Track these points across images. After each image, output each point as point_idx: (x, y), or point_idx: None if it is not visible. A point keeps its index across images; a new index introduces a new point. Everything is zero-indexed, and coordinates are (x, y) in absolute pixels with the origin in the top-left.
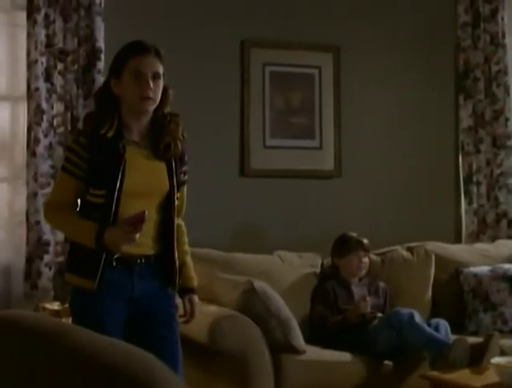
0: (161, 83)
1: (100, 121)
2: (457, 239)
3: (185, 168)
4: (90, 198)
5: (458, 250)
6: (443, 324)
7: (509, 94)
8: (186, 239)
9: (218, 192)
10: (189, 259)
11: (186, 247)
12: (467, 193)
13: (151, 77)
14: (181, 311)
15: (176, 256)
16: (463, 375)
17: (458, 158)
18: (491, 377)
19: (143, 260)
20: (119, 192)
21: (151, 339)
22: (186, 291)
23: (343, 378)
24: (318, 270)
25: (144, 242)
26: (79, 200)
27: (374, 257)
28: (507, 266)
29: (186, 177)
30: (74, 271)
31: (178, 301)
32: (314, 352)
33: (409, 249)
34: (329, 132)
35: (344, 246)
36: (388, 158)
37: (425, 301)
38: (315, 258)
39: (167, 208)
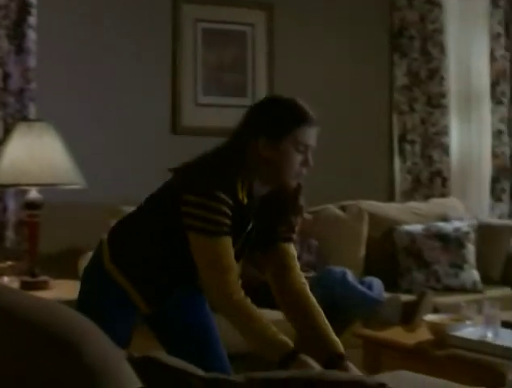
0: None
1: (231, 181)
2: (390, 198)
3: None
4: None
5: (391, 209)
6: (377, 282)
7: (444, 53)
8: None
9: (149, 149)
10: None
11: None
12: (402, 152)
13: (310, 151)
14: None
15: None
16: (395, 332)
17: (392, 117)
18: (424, 334)
19: None
20: None
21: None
22: (333, 360)
23: None
24: None
25: None
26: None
27: (307, 215)
28: (440, 224)
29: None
30: (138, 287)
31: None
32: None
33: (343, 207)
34: (261, 90)
35: None
36: (321, 116)
37: (358, 260)
38: None
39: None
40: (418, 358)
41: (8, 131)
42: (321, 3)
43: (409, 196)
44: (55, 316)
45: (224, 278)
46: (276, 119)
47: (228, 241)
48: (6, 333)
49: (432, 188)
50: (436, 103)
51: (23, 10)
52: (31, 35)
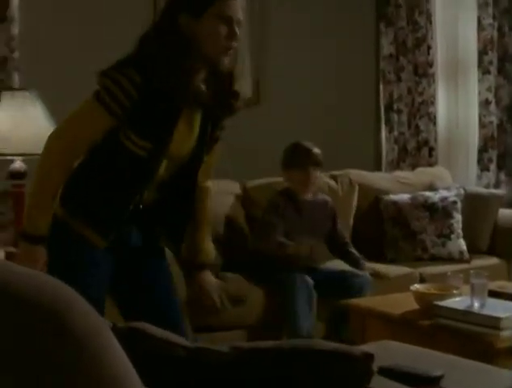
0: None
1: (166, 64)
2: (377, 167)
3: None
4: (130, 146)
5: (378, 178)
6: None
7: (431, 23)
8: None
9: None
10: (209, 231)
11: (209, 216)
12: (388, 121)
13: (236, 24)
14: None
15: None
16: (381, 302)
17: (379, 86)
18: (410, 304)
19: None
20: (165, 150)
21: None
22: (199, 267)
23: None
24: (234, 197)
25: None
26: (106, 143)
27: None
28: (427, 194)
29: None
30: (88, 219)
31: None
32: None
33: (333, 177)
34: (246, 58)
35: (292, 157)
36: (308, 86)
37: (346, 230)
38: (232, 185)
39: (188, 170)
40: (405, 328)
41: None
42: None
43: (395, 165)
44: (39, 286)
45: (60, 128)
46: None
47: (103, 116)
48: None
49: (419, 158)
50: (423, 72)
51: None
52: (15, 3)
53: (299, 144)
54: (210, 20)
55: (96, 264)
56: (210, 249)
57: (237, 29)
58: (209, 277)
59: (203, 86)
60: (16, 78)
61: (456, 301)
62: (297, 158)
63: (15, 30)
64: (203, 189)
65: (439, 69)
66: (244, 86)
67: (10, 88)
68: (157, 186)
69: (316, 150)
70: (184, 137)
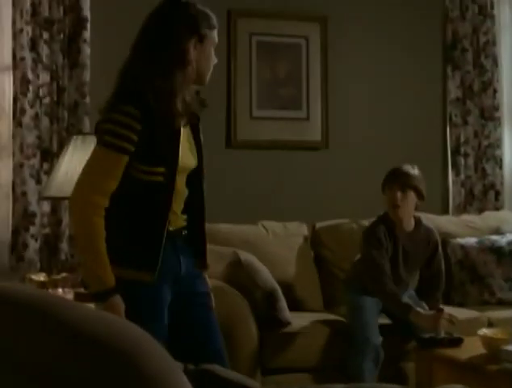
0: None
1: (160, 90)
2: (444, 211)
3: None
4: (144, 177)
5: (445, 222)
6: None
7: (497, 66)
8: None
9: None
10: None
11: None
12: (455, 165)
13: None
14: None
15: (205, 229)
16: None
17: (446, 130)
18: (477, 348)
19: (185, 233)
20: (177, 168)
21: (193, 319)
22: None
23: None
24: (302, 239)
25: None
26: (122, 186)
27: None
28: (494, 237)
29: None
30: (129, 264)
31: None
32: (298, 325)
33: None
34: (316, 103)
35: (384, 179)
36: (375, 130)
37: None
38: (300, 227)
39: (197, 179)
40: (471, 373)
41: (62, 145)
42: (374, 16)
43: (462, 209)
44: (110, 327)
45: (89, 180)
46: (197, 21)
47: (120, 159)
48: (65, 346)
49: (485, 201)
50: (489, 115)
51: (78, 25)
52: (86, 50)
53: (395, 166)
54: (208, 46)
55: (154, 300)
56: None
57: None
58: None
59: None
60: (87, 123)
61: None
62: (386, 179)
63: (87, 76)
64: None
65: (505, 112)
66: (313, 131)
67: (81, 132)
68: (183, 205)
69: (409, 171)
70: (187, 150)
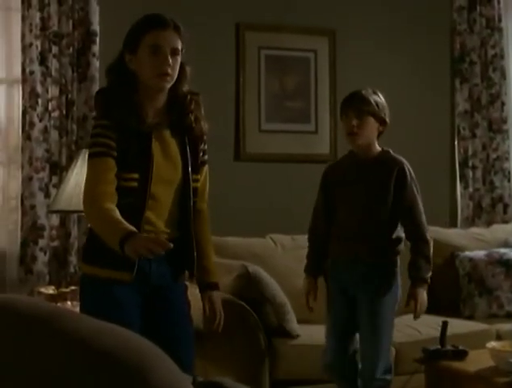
0: (179, 59)
1: (116, 100)
2: (453, 223)
3: (204, 147)
4: (122, 182)
5: (453, 235)
6: None
7: (505, 78)
8: (208, 228)
9: (213, 177)
10: (211, 251)
11: (209, 236)
12: (463, 177)
13: (169, 52)
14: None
15: (194, 243)
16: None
17: (454, 143)
18: (486, 361)
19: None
20: (151, 174)
21: (167, 329)
22: (205, 286)
23: None
24: None
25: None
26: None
27: None
28: (503, 250)
29: (206, 157)
30: (107, 264)
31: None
32: (308, 337)
33: None
34: (324, 117)
35: (341, 105)
36: (383, 143)
37: None
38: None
39: (184, 192)
40: (480, 385)
41: (71, 158)
42: (383, 29)
43: (471, 221)
44: (119, 341)
45: (88, 190)
46: (131, 31)
47: (104, 162)
48: (71, 359)
49: (494, 214)
50: (497, 128)
51: (88, 38)
52: (95, 64)
53: (353, 91)
54: (143, 52)
55: (125, 299)
56: (216, 268)
57: (169, 56)
58: (219, 297)
59: (162, 111)
60: None
61: None
62: (342, 105)
63: (96, 89)
64: (199, 212)
65: None
66: (322, 144)
67: None
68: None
69: (366, 95)
70: (164, 159)
